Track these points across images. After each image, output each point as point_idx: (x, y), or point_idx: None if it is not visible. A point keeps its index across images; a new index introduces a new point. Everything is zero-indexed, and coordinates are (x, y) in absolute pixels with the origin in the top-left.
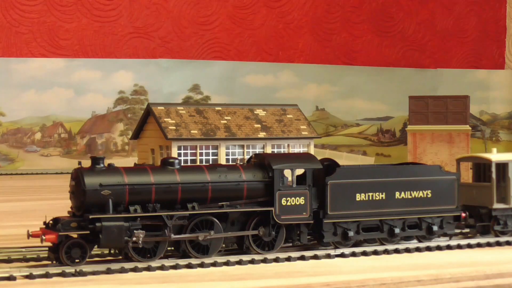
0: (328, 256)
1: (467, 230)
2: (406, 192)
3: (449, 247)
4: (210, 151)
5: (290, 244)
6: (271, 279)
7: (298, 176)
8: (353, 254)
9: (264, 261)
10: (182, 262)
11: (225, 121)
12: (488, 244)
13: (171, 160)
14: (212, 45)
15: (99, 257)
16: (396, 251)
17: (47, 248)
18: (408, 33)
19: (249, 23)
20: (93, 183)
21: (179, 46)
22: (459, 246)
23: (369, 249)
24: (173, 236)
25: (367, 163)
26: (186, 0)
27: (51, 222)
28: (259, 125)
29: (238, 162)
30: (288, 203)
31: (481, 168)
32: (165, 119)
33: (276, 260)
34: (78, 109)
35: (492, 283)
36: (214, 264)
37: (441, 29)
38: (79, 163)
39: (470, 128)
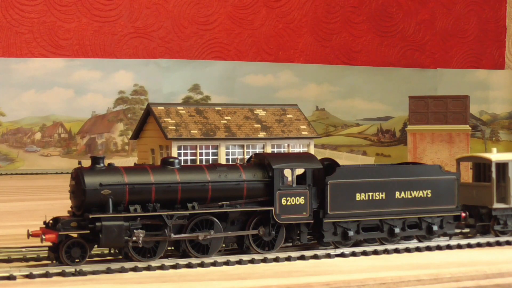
0: (328, 255)
1: (467, 230)
2: (406, 192)
3: (449, 247)
4: (210, 151)
5: (290, 244)
6: (271, 279)
7: (298, 176)
8: (353, 254)
9: (264, 260)
10: (182, 261)
11: (225, 121)
12: (488, 244)
13: (171, 159)
14: (212, 45)
15: (99, 257)
16: (396, 251)
17: (47, 248)
18: (408, 33)
19: (249, 23)
20: (93, 183)
21: (179, 46)
22: (459, 246)
23: (369, 248)
24: (173, 235)
25: (367, 163)
26: (186, 0)
27: (51, 221)
28: (259, 125)
29: (238, 161)
30: (288, 203)
31: (481, 168)
32: (165, 119)
33: (276, 259)
34: (78, 109)
35: (492, 282)
36: (214, 264)
37: (441, 29)
38: (79, 162)
39: (470, 128)
